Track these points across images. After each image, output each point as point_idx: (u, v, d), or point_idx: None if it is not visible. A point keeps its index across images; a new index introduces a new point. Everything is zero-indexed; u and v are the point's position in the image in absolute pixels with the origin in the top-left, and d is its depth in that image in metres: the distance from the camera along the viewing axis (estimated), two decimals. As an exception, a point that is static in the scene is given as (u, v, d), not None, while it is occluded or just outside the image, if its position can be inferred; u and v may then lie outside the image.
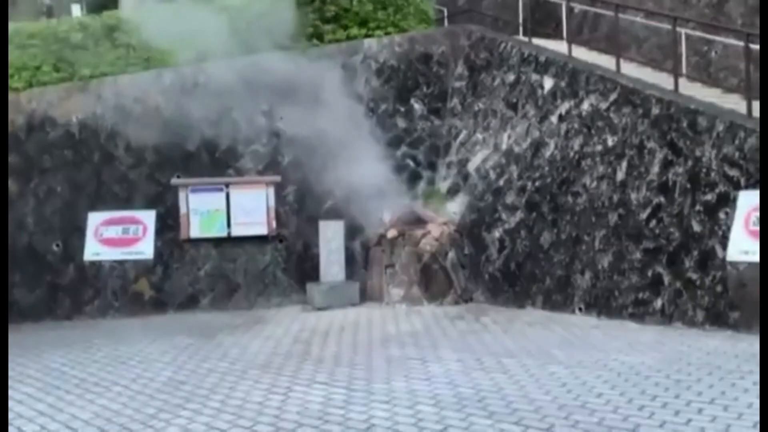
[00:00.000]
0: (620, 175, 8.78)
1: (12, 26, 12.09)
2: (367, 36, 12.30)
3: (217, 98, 11.21)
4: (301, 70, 11.50)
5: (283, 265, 10.85)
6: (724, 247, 7.43)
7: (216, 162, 11.06)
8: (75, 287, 10.41)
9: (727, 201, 7.55)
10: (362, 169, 11.25)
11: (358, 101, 11.65)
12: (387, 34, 12.38)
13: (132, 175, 10.90)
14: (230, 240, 10.74)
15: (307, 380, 6.26)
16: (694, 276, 7.70)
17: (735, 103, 8.82)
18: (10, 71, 11.42)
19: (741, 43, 8.94)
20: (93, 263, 10.49)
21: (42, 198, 10.70)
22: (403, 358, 6.97)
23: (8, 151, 10.67)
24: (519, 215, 10.00)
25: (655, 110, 8.59)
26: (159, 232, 10.67)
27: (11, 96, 11.10)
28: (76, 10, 17.30)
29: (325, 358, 7.12)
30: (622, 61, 9.89)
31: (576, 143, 9.50)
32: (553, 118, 9.98)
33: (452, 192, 11.27)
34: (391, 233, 10.57)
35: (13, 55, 11.51)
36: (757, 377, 5.60)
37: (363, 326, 8.80)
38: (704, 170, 7.85)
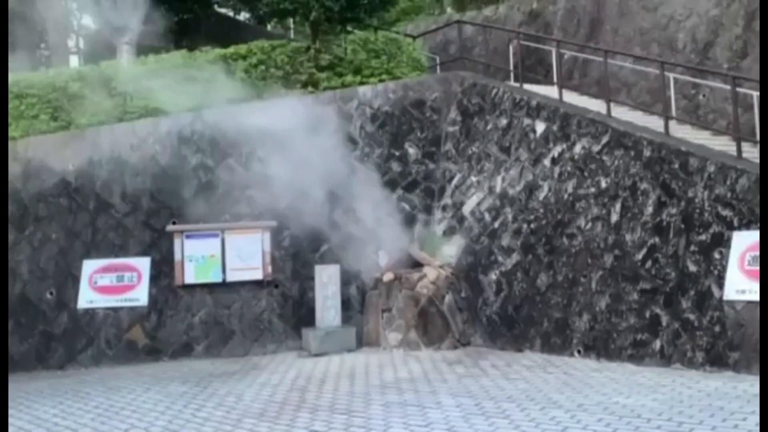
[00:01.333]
0: (614, 217, 8.84)
1: (11, 77, 12.26)
2: (361, 83, 12.50)
3: (213, 145, 11.33)
4: (297, 116, 11.65)
5: (279, 310, 10.77)
6: (720, 286, 7.43)
7: (212, 208, 11.06)
8: (68, 336, 10.28)
9: (721, 241, 7.59)
10: (358, 214, 11.31)
11: (353, 146, 11.77)
12: (381, 81, 12.59)
13: (127, 222, 10.90)
14: (225, 286, 10.68)
15: (304, 429, 6.16)
16: (691, 316, 7.67)
17: (725, 144, 8.96)
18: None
19: (728, 87, 9.15)
20: (87, 311, 10.38)
21: (37, 246, 10.66)
22: (402, 404, 6.87)
23: (7, 199, 10.68)
24: (515, 257, 10.00)
25: (647, 152, 8.71)
26: (154, 278, 10.60)
27: (8, 145, 11.16)
28: (74, 61, 17.60)
29: (321, 405, 7.01)
30: (612, 105, 10.06)
31: (569, 185, 9.59)
32: (546, 161, 10.09)
33: (448, 235, 11.30)
34: (388, 277, 10.54)
35: (11, 105, 11.65)
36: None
37: (360, 372, 8.68)
38: (697, 211, 7.92)
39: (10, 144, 11.15)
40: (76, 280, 10.50)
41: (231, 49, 12.63)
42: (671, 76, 10.40)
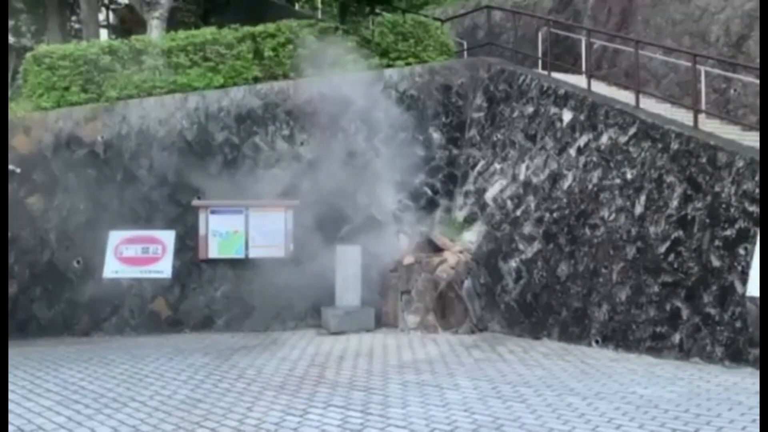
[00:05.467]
0: (639, 209, 8.81)
1: (43, 48, 12.44)
2: (388, 66, 12.51)
3: (239, 123, 11.44)
4: (323, 97, 11.71)
5: (299, 288, 10.88)
6: (744, 282, 7.41)
7: (236, 185, 11.20)
8: (93, 304, 10.51)
9: (746, 237, 7.55)
10: (380, 196, 11.38)
11: (377, 129, 11.80)
12: (408, 64, 12.58)
13: (153, 195, 11.07)
14: (248, 262, 10.83)
15: (323, 403, 6.27)
16: (712, 311, 7.66)
17: (754, 140, 8.87)
18: (39, 91, 11.73)
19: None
20: (112, 281, 10.60)
21: (65, 215, 10.87)
22: (419, 384, 6.96)
23: (35, 169, 10.91)
24: (536, 246, 10.02)
25: (675, 145, 8.65)
26: (178, 252, 10.78)
27: (39, 115, 11.36)
28: (104, 34, 17.76)
29: (340, 382, 7.13)
30: (641, 96, 9.98)
31: (594, 176, 9.56)
32: (572, 151, 10.06)
33: (469, 221, 11.33)
34: (408, 260, 10.61)
35: (43, 76, 11.83)
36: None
37: (378, 352, 8.80)
38: (724, 206, 7.87)
39: (42, 114, 11.35)
40: (102, 250, 10.70)
41: (260, 28, 12.68)
42: (702, 69, 10.27)
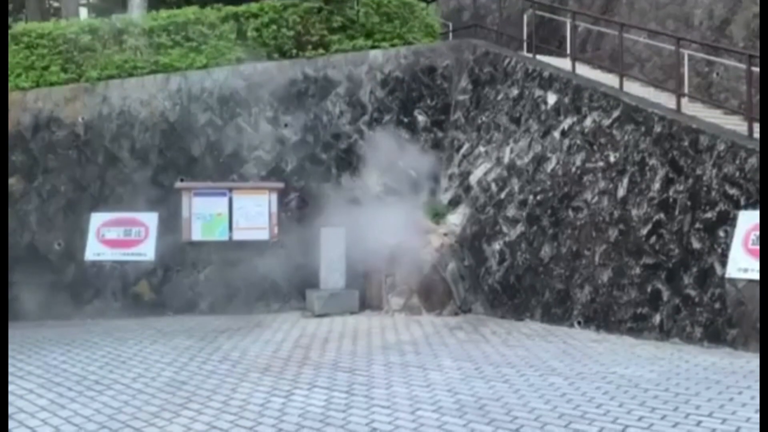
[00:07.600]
0: (621, 192, 8.88)
1: (21, 27, 12.20)
2: (372, 47, 12.41)
3: (222, 104, 11.33)
4: (307, 78, 11.62)
5: (284, 271, 10.87)
6: (723, 264, 7.51)
7: (220, 167, 11.13)
8: (75, 287, 10.43)
9: (726, 219, 7.65)
10: (365, 179, 11.36)
11: (362, 111, 11.75)
12: (393, 45, 12.50)
13: (135, 177, 10.96)
14: (231, 244, 10.78)
15: (307, 384, 6.30)
16: (692, 293, 7.77)
17: (736, 124, 8.95)
18: (18, 71, 11.52)
19: (743, 66, 9.11)
20: (94, 263, 10.52)
21: (45, 197, 10.74)
22: (403, 365, 7.01)
23: (14, 150, 10.74)
24: (520, 228, 10.08)
25: (658, 128, 8.70)
26: (161, 234, 10.70)
27: (18, 95, 11.17)
28: (84, 13, 17.43)
29: (325, 363, 7.16)
30: (624, 80, 10.01)
31: (578, 158, 9.60)
32: (556, 134, 10.09)
33: (453, 203, 11.36)
34: (392, 242, 10.61)
35: (22, 55, 11.61)
36: (755, 393, 5.67)
37: (362, 334, 8.83)
38: (705, 189, 7.95)
39: (21, 94, 11.16)
40: (83, 233, 10.61)
41: (242, 7, 12.51)
42: (686, 52, 10.31)
